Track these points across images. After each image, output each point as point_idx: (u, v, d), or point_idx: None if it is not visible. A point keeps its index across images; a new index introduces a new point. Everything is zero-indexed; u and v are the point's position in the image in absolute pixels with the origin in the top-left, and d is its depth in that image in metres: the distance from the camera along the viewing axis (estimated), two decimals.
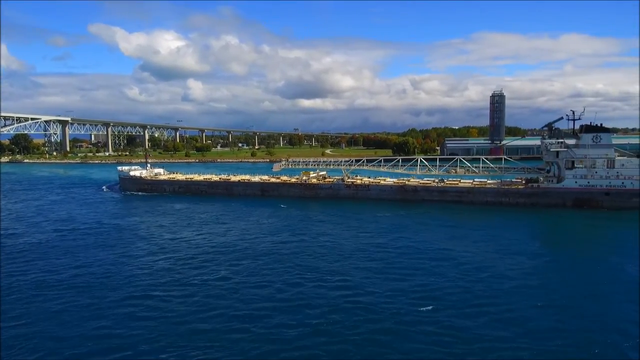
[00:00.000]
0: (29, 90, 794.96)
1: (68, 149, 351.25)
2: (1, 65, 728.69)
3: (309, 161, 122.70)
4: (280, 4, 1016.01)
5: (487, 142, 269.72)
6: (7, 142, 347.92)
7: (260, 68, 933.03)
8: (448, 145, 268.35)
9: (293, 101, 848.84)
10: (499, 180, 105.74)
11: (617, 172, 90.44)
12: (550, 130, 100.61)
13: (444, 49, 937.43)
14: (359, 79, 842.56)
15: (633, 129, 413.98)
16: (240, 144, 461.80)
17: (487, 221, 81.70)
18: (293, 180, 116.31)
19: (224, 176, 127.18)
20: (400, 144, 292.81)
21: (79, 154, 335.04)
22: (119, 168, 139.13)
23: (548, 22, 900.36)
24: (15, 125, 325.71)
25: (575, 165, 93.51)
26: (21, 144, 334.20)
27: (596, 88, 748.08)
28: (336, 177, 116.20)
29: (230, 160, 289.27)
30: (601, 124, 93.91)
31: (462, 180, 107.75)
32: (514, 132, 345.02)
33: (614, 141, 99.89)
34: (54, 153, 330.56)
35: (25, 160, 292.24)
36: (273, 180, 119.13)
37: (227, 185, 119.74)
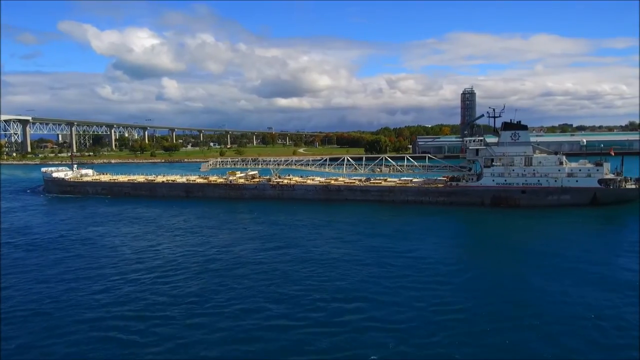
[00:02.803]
0: None
1: (29, 149, 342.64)
2: None
3: (238, 160, 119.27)
4: (258, 2, 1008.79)
5: (458, 139, 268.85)
6: None
7: (236, 67, 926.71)
8: (420, 143, 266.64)
9: (270, 100, 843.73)
10: (424, 179, 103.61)
11: (534, 170, 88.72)
12: (471, 128, 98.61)
13: (419, 49, 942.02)
14: (336, 78, 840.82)
15: (600, 127, 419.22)
16: (212, 144, 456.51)
17: (393, 221, 78.78)
18: (219, 180, 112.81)
19: (149, 177, 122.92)
20: (372, 142, 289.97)
21: (40, 155, 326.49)
22: (43, 169, 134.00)
23: (519, 22, 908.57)
24: None
25: (494, 163, 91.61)
26: None
27: (565, 87, 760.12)
28: (264, 177, 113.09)
29: (198, 160, 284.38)
30: (519, 122, 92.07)
31: (388, 179, 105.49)
32: (489, 130, 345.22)
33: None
34: (14, 154, 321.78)
35: None
36: (199, 180, 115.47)
37: (151, 187, 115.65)
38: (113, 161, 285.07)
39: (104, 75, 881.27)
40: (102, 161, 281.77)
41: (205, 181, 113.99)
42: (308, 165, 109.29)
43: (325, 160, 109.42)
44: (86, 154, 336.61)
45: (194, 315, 38.29)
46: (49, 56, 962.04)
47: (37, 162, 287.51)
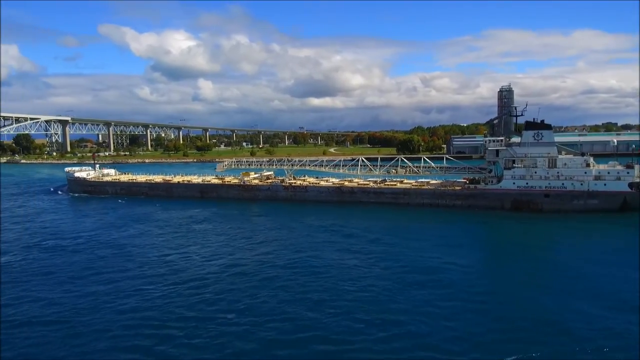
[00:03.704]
0: (40, 91, 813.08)
1: (69, 149, 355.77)
2: (13, 66, 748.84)
3: (252, 161, 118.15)
4: (290, 2, 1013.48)
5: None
6: (9, 142, 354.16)
7: (270, 67, 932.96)
8: (455, 142, 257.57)
9: (302, 100, 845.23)
10: (442, 181, 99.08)
11: (558, 172, 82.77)
12: (492, 127, 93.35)
13: (454, 47, 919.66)
14: (369, 77, 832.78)
15: None
16: (244, 143, 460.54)
17: (407, 226, 74.43)
18: (233, 181, 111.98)
19: (167, 177, 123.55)
20: (405, 142, 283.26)
21: (78, 155, 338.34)
22: (67, 169, 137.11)
23: (558, 18, 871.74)
24: (15, 125, 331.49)
25: (516, 164, 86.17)
26: (22, 144, 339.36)
27: (609, 84, 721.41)
28: (279, 178, 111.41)
29: (242, 158, 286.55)
30: (542, 120, 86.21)
31: (405, 181, 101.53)
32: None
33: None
34: (54, 153, 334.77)
35: (22, 161, 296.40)
36: (214, 181, 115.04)
37: (167, 187, 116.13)
38: (147, 161, 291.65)
39: (143, 76, 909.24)
40: (136, 160, 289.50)
41: (220, 182, 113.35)
42: (322, 166, 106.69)
43: (340, 161, 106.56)
44: (122, 153, 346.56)
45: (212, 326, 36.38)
46: (90, 58, 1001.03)
47: (75, 161, 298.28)
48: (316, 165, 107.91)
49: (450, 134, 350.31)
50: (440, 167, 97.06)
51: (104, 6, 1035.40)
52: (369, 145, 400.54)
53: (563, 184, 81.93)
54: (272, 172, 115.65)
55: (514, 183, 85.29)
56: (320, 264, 52.47)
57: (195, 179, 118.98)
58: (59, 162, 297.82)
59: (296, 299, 41.80)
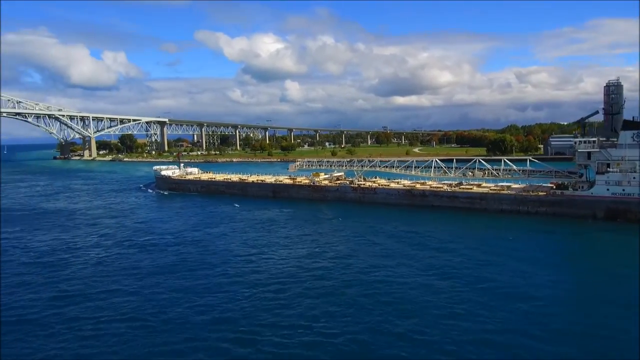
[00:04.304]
0: (144, 94, 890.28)
1: (166, 148, 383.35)
2: (121, 72, 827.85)
3: (323, 161, 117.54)
4: (376, 2, 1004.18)
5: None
6: (115, 141, 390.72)
7: (355, 67, 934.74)
8: (552, 143, 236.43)
9: (387, 99, 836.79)
10: (526, 185, 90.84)
11: None
12: (584, 127, 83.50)
13: (553, 39, 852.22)
14: (458, 74, 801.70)
15: None
16: (327, 143, 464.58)
17: (485, 236, 68.59)
18: (303, 181, 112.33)
19: (243, 177, 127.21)
20: (496, 142, 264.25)
21: (174, 153, 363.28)
22: (155, 168, 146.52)
23: None
24: (120, 126, 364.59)
25: (610, 168, 76.29)
26: (126, 144, 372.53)
27: None
28: (348, 179, 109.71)
29: (313, 159, 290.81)
30: None
31: (483, 185, 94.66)
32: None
33: None
34: (153, 152, 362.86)
35: (125, 159, 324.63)
36: (286, 181, 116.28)
37: (242, 186, 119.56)
38: (234, 160, 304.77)
39: (234, 79, 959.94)
40: (224, 160, 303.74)
41: (291, 182, 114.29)
42: (393, 167, 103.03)
43: (413, 162, 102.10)
44: (213, 152, 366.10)
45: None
46: (187, 63, 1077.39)
47: (170, 160, 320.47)
48: (387, 167, 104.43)
49: (548, 133, 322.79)
50: (522, 170, 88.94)
51: (200, 13, 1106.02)
52: (456, 145, 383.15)
53: None
54: (342, 173, 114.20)
55: (607, 189, 75.56)
56: (385, 273, 49.69)
57: (269, 178, 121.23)
58: (157, 160, 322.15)
59: (371, 309, 39.99)
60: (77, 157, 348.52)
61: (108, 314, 40.34)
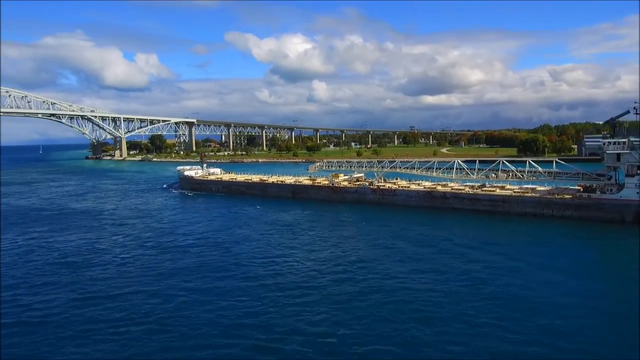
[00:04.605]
0: (175, 95, 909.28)
1: (194, 148, 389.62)
2: (153, 73, 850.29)
3: (343, 162, 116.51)
4: (405, 2, 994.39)
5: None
6: (146, 142, 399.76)
7: (383, 66, 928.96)
8: (587, 143, 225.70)
9: (416, 98, 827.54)
10: (552, 187, 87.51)
11: None
12: (613, 127, 79.61)
13: (590, 35, 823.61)
14: (489, 72, 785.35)
15: None
16: (353, 143, 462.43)
17: (509, 241, 65.23)
18: (323, 182, 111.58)
19: (263, 177, 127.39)
20: (527, 142, 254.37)
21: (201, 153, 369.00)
22: (178, 168, 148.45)
23: None
24: (149, 127, 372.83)
25: None
26: (156, 144, 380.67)
27: None
28: (368, 180, 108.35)
29: (342, 159, 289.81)
30: None
31: (507, 187, 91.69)
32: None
33: None
34: (180, 152, 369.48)
35: (154, 159, 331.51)
36: (305, 182, 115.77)
37: (262, 187, 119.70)
38: (260, 160, 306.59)
39: (263, 80, 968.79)
40: (250, 160, 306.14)
41: (311, 183, 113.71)
42: (413, 168, 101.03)
43: (434, 163, 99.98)
44: (239, 153, 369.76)
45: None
46: (217, 64, 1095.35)
47: (198, 160, 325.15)
48: (407, 168, 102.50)
49: (582, 133, 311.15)
50: (548, 172, 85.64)
51: (230, 15, 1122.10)
52: (485, 145, 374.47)
53: None
54: (362, 175, 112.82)
55: (638, 192, 71.79)
56: (407, 280, 47.81)
57: (289, 179, 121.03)
58: (184, 160, 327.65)
59: (393, 317, 38.80)
60: (108, 157, 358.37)
61: (128, 314, 40.38)
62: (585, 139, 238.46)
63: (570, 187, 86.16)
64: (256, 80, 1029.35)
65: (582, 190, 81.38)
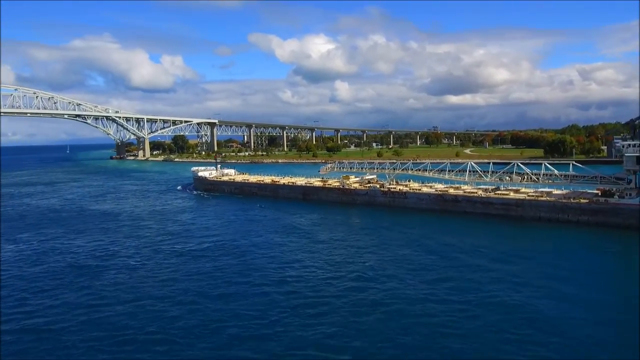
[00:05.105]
0: (199, 96, 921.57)
1: (215, 148, 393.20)
2: (178, 75, 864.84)
3: (354, 163, 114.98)
4: (429, 1, 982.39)
5: None
6: (169, 142, 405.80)
7: (406, 65, 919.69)
8: (618, 145, 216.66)
9: (439, 98, 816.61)
10: (569, 191, 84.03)
11: None
12: (634, 129, 75.77)
13: (621, 33, 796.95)
14: (516, 71, 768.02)
15: None
16: (374, 144, 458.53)
17: (522, 249, 62.14)
18: (333, 184, 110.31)
19: (275, 178, 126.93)
20: (554, 143, 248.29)
21: (223, 154, 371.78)
22: (193, 169, 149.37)
23: None
24: (172, 127, 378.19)
25: None
26: (179, 144, 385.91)
27: None
28: (380, 182, 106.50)
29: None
30: None
31: (522, 190, 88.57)
32: None
33: None
34: (202, 153, 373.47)
35: (176, 159, 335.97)
36: (316, 183, 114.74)
37: (274, 188, 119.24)
38: (280, 161, 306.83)
39: (285, 80, 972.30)
40: (270, 161, 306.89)
41: (321, 184, 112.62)
42: (426, 170, 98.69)
43: (447, 165, 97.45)
44: (260, 153, 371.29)
45: None
46: (240, 65, 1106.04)
47: (218, 161, 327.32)
48: (420, 170, 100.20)
49: (612, 134, 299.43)
50: (564, 175, 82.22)
51: (253, 16, 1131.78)
52: (511, 146, 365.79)
53: None
54: (375, 176, 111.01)
55: None
56: (416, 290, 45.55)
57: (300, 180, 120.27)
58: (205, 160, 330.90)
59: (407, 328, 37.25)
60: (132, 157, 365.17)
61: (136, 322, 39.61)
62: (615, 140, 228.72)
63: (589, 190, 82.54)
64: (279, 81, 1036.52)
65: (600, 194, 77.78)
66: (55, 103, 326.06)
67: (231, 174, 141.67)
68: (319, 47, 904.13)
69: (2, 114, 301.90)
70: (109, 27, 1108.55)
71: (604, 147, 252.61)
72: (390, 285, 47.16)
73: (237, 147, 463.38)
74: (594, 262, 56.70)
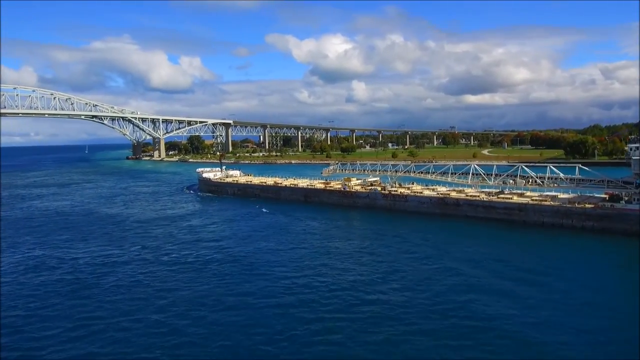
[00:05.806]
0: (217, 97, 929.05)
1: (230, 149, 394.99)
2: (196, 75, 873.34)
3: (357, 165, 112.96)
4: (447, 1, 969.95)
5: None
6: (184, 142, 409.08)
7: (424, 65, 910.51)
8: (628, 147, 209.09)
9: (458, 97, 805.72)
10: (575, 195, 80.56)
11: None
12: None
13: None
14: (536, 70, 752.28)
15: None
16: (390, 144, 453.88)
17: (525, 258, 58.69)
18: (335, 186, 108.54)
19: (278, 180, 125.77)
20: (575, 144, 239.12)
21: (237, 154, 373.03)
22: (198, 170, 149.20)
23: None
24: (187, 127, 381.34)
25: None
26: (194, 145, 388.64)
27: None
28: (382, 184, 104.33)
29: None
30: None
31: (526, 194, 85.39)
32: None
33: None
34: (217, 153, 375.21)
35: (190, 160, 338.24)
36: (318, 185, 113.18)
37: (276, 190, 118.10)
38: (294, 161, 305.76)
39: (302, 81, 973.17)
40: (284, 161, 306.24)
41: (323, 187, 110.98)
42: (428, 173, 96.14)
43: (449, 167, 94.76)
44: (274, 154, 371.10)
45: None
46: (257, 66, 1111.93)
47: (232, 162, 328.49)
48: (422, 173, 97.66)
49: (636, 134, 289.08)
50: (570, 179, 78.85)
51: (271, 16, 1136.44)
52: (530, 147, 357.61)
53: None
54: (378, 179, 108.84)
55: None
56: (418, 301, 43.79)
57: (302, 182, 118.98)
58: (217, 161, 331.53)
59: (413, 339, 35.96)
60: (147, 158, 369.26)
61: (137, 332, 38.79)
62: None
63: (596, 194, 78.98)
64: (295, 81, 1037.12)
65: (607, 198, 74.23)
66: (72, 104, 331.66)
67: (236, 175, 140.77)
68: (336, 47, 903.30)
69: (20, 114, 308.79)
70: (128, 29, 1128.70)
71: (627, 148, 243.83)
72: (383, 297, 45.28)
73: (252, 147, 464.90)
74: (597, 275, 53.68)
